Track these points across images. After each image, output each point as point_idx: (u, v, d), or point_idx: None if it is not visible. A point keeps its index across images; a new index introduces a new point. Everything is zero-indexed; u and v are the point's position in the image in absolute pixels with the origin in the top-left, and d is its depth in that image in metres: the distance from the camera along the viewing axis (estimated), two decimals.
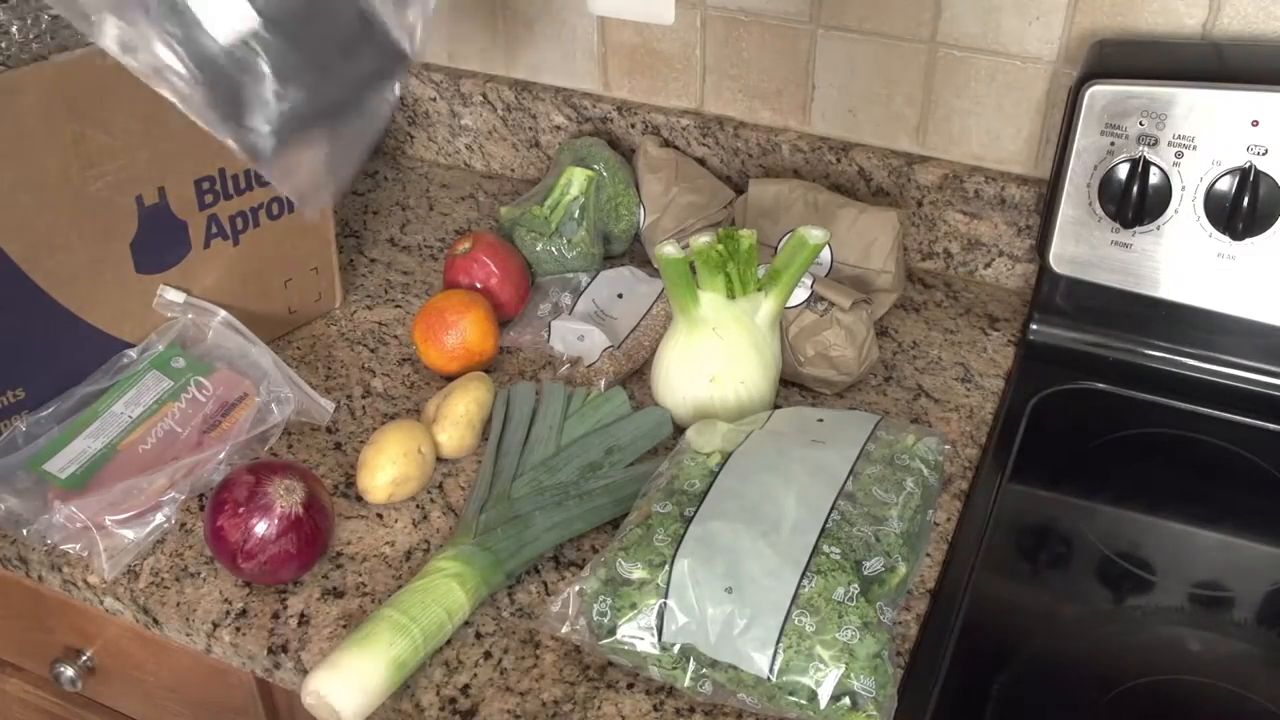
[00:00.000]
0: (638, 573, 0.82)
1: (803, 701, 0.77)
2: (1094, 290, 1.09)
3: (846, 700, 0.77)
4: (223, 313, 1.07)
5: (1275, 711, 0.82)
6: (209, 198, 1.09)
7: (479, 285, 1.14)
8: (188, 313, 1.07)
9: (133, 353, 1.06)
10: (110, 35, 0.67)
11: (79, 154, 0.98)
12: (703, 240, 0.99)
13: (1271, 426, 1.05)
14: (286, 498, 0.88)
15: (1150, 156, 1.01)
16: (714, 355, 1.00)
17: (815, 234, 1.00)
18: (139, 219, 1.03)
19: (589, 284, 1.18)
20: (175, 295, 1.06)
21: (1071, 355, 1.12)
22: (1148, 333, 1.10)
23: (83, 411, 1.01)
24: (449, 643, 0.86)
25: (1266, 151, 0.98)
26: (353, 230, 1.33)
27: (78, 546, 0.93)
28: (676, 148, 1.30)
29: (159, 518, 0.95)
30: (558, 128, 1.36)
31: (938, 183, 1.20)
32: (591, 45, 1.31)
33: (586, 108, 1.33)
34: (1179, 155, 1.01)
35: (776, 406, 1.04)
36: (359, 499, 0.98)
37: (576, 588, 0.83)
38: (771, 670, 0.78)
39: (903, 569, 0.84)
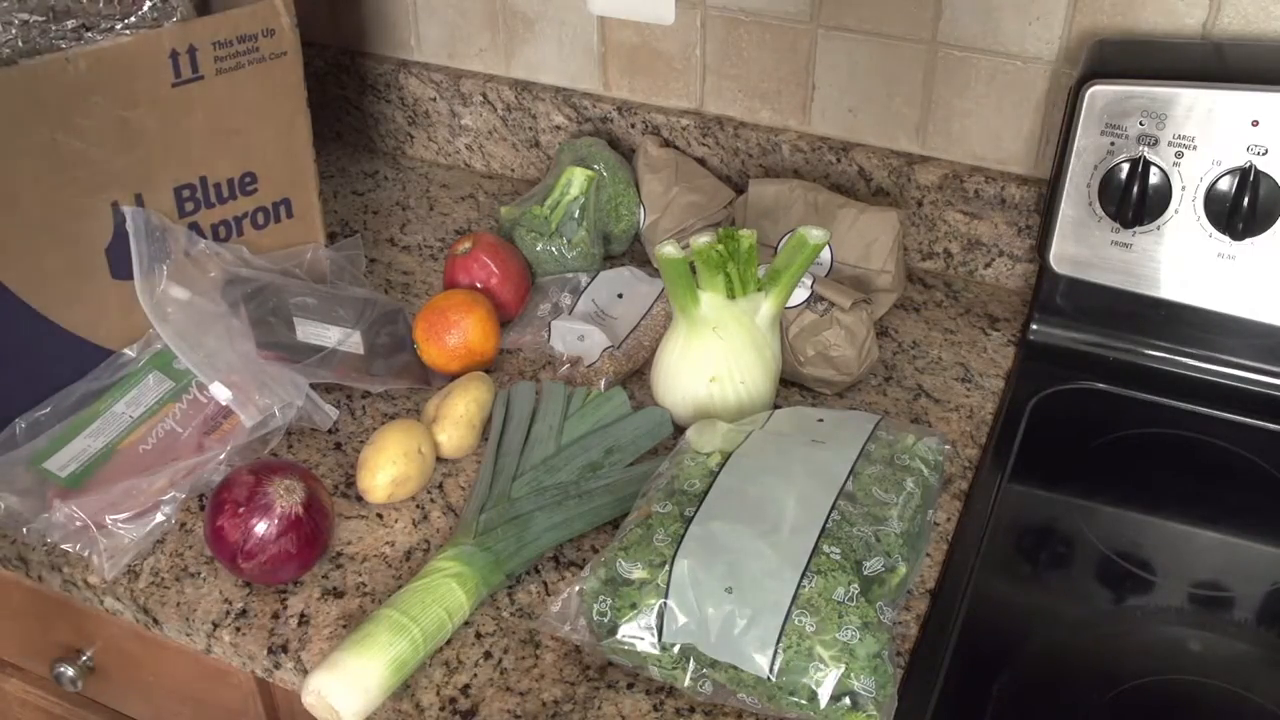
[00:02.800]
0: (638, 573, 0.82)
1: (803, 701, 0.77)
2: (1094, 290, 1.09)
3: (847, 700, 0.77)
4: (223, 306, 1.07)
5: (1275, 712, 0.82)
6: (189, 205, 1.08)
7: (479, 285, 1.14)
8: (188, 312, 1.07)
9: (132, 351, 1.06)
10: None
11: (50, 159, 0.98)
12: (703, 240, 0.99)
13: (1271, 426, 1.05)
14: (286, 498, 0.88)
15: (1150, 156, 1.01)
16: (714, 355, 1.00)
17: (815, 234, 1.00)
18: (115, 225, 1.03)
19: (589, 284, 1.18)
20: (180, 293, 1.06)
21: (1071, 355, 1.12)
22: (1148, 333, 1.10)
23: (83, 410, 1.01)
24: (449, 643, 0.86)
25: (1267, 151, 0.98)
26: (352, 230, 1.33)
27: (77, 546, 0.93)
28: (677, 148, 1.30)
29: (159, 517, 0.95)
30: (558, 128, 1.36)
31: (938, 183, 1.20)
32: (591, 45, 1.31)
33: (586, 108, 1.33)
34: (1179, 155, 1.01)
35: (776, 406, 1.04)
36: (359, 499, 0.98)
37: (576, 588, 0.83)
38: (772, 670, 0.78)
39: (903, 569, 0.84)
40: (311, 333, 1.06)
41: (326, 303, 1.08)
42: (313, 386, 1.04)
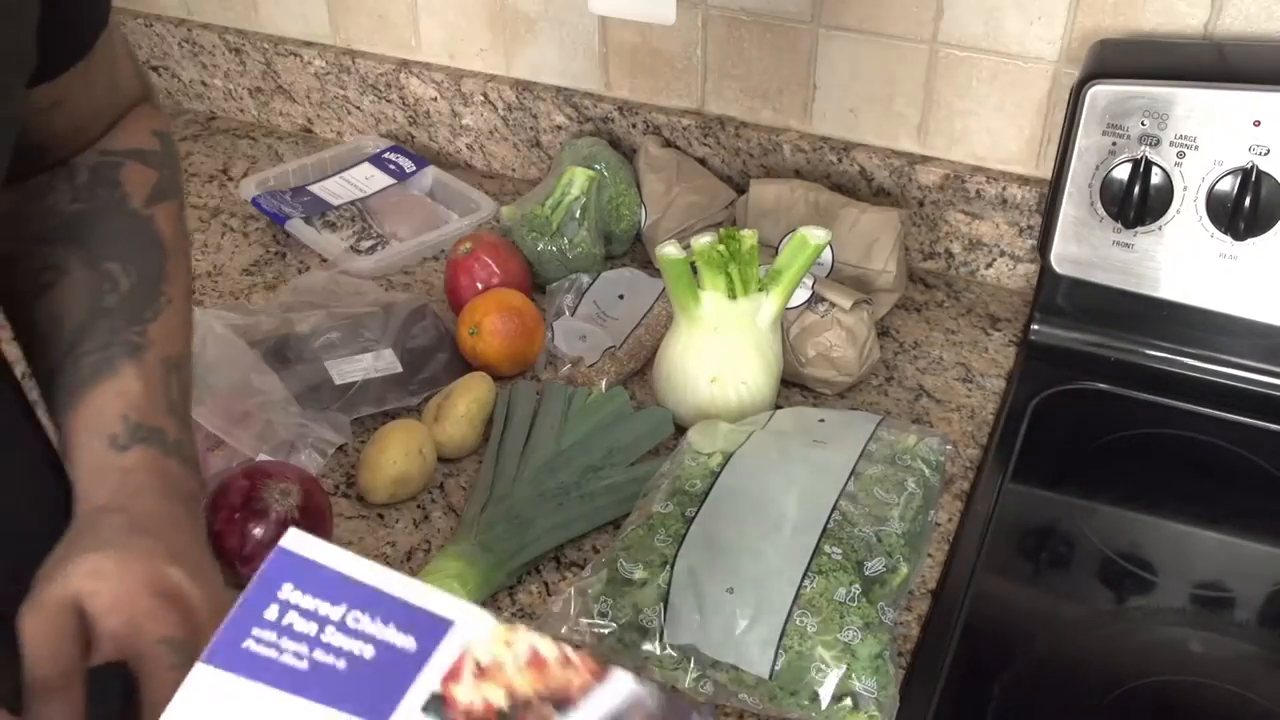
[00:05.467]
0: (639, 573, 0.82)
1: (804, 702, 0.77)
2: (1095, 290, 1.09)
3: (848, 701, 0.77)
4: (219, 325, 1.04)
5: (1276, 712, 0.82)
6: None
7: (480, 285, 1.13)
8: None
9: None
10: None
11: None
12: (704, 240, 0.99)
13: (1272, 426, 1.05)
14: (282, 501, 0.87)
15: (1152, 156, 1.01)
16: (715, 355, 1.00)
17: (817, 234, 1.00)
18: None
19: (590, 284, 1.18)
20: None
21: (1073, 355, 1.12)
22: (1149, 333, 1.10)
23: None
24: None
25: (1268, 151, 0.98)
26: None
27: None
28: (678, 148, 1.30)
29: None
30: (559, 128, 1.36)
31: (939, 183, 1.20)
32: (592, 45, 1.31)
33: (587, 108, 1.33)
34: (1181, 155, 1.01)
35: (778, 407, 1.03)
36: (360, 499, 0.98)
37: (578, 588, 0.83)
38: (773, 671, 0.78)
39: (904, 569, 0.84)
40: (344, 371, 1.04)
41: (349, 330, 1.06)
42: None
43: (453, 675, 0.51)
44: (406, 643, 0.51)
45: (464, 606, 0.52)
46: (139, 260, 0.68)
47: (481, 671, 0.51)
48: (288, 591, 0.50)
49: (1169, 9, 1.06)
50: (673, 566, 0.81)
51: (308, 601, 0.50)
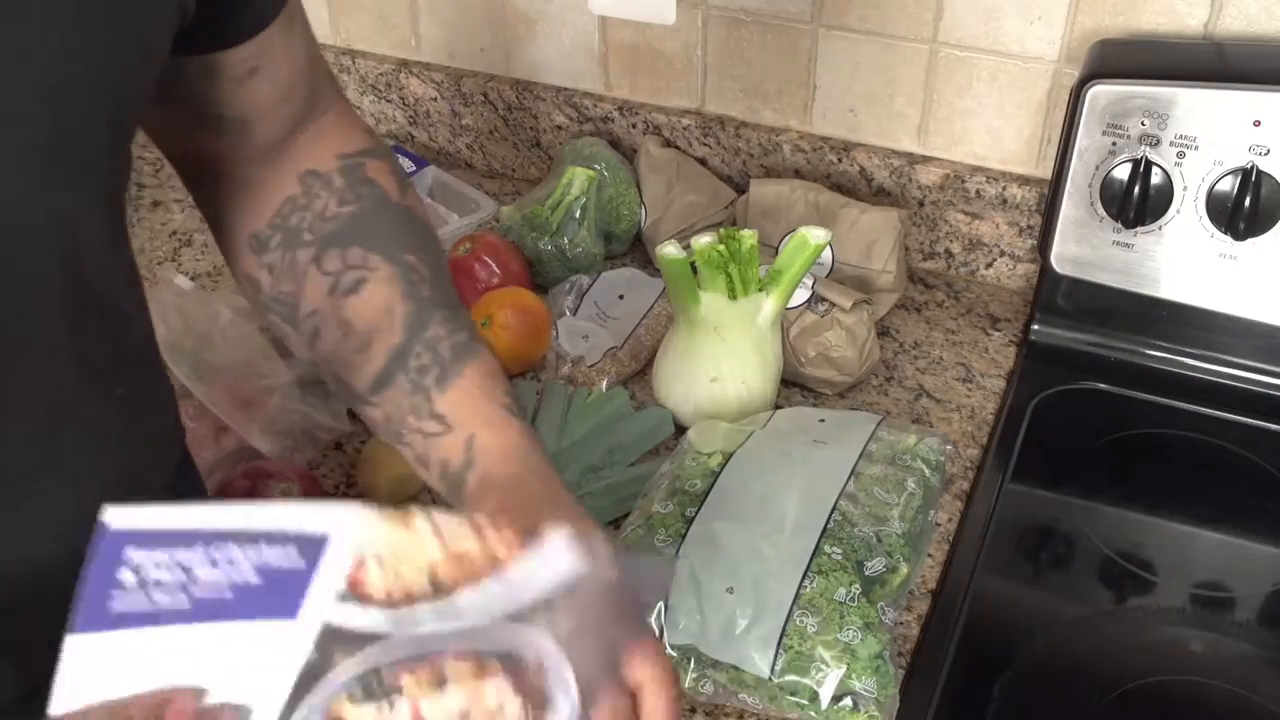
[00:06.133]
0: None
1: (804, 702, 0.77)
2: (1095, 290, 1.09)
3: (848, 701, 0.77)
4: (227, 310, 1.06)
5: (1276, 712, 0.82)
6: None
7: (481, 285, 1.13)
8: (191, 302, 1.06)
9: None
10: None
11: None
12: (704, 240, 0.99)
13: (1272, 426, 1.05)
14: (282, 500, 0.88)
15: (1152, 156, 1.01)
16: (715, 355, 1.00)
17: (817, 234, 1.00)
18: None
19: (591, 284, 1.18)
20: (184, 282, 1.05)
21: (1073, 355, 1.12)
22: (1149, 333, 1.10)
23: None
24: None
25: (1268, 151, 0.98)
26: None
27: None
28: (678, 148, 1.30)
29: None
30: (559, 127, 1.36)
31: (939, 183, 1.20)
32: (592, 45, 1.31)
33: (587, 107, 1.33)
34: (1181, 155, 1.01)
35: (778, 407, 1.03)
36: (360, 497, 0.98)
37: None
38: (773, 671, 0.78)
39: (904, 569, 0.84)
40: None
41: None
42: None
43: (358, 567, 0.49)
44: (290, 558, 0.48)
45: (325, 510, 0.49)
46: (423, 250, 0.71)
47: (383, 561, 0.49)
48: (131, 554, 0.47)
49: (1169, 9, 1.06)
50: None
51: (159, 556, 0.47)
